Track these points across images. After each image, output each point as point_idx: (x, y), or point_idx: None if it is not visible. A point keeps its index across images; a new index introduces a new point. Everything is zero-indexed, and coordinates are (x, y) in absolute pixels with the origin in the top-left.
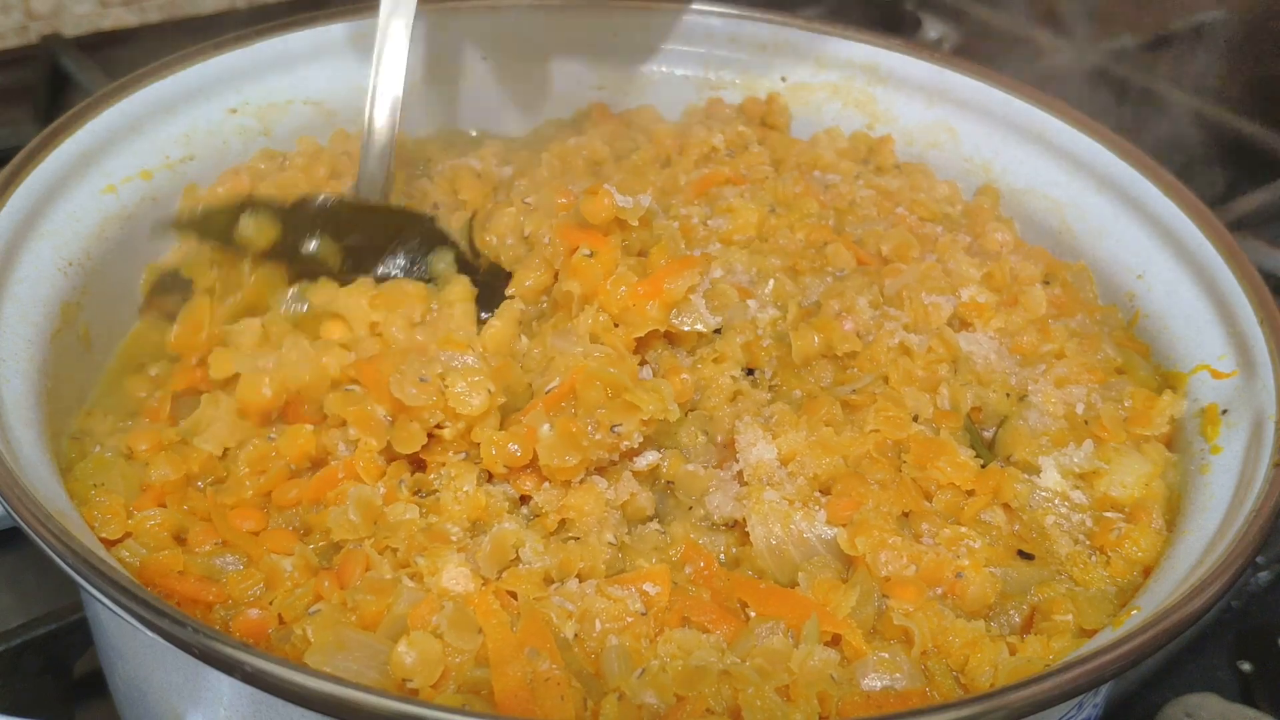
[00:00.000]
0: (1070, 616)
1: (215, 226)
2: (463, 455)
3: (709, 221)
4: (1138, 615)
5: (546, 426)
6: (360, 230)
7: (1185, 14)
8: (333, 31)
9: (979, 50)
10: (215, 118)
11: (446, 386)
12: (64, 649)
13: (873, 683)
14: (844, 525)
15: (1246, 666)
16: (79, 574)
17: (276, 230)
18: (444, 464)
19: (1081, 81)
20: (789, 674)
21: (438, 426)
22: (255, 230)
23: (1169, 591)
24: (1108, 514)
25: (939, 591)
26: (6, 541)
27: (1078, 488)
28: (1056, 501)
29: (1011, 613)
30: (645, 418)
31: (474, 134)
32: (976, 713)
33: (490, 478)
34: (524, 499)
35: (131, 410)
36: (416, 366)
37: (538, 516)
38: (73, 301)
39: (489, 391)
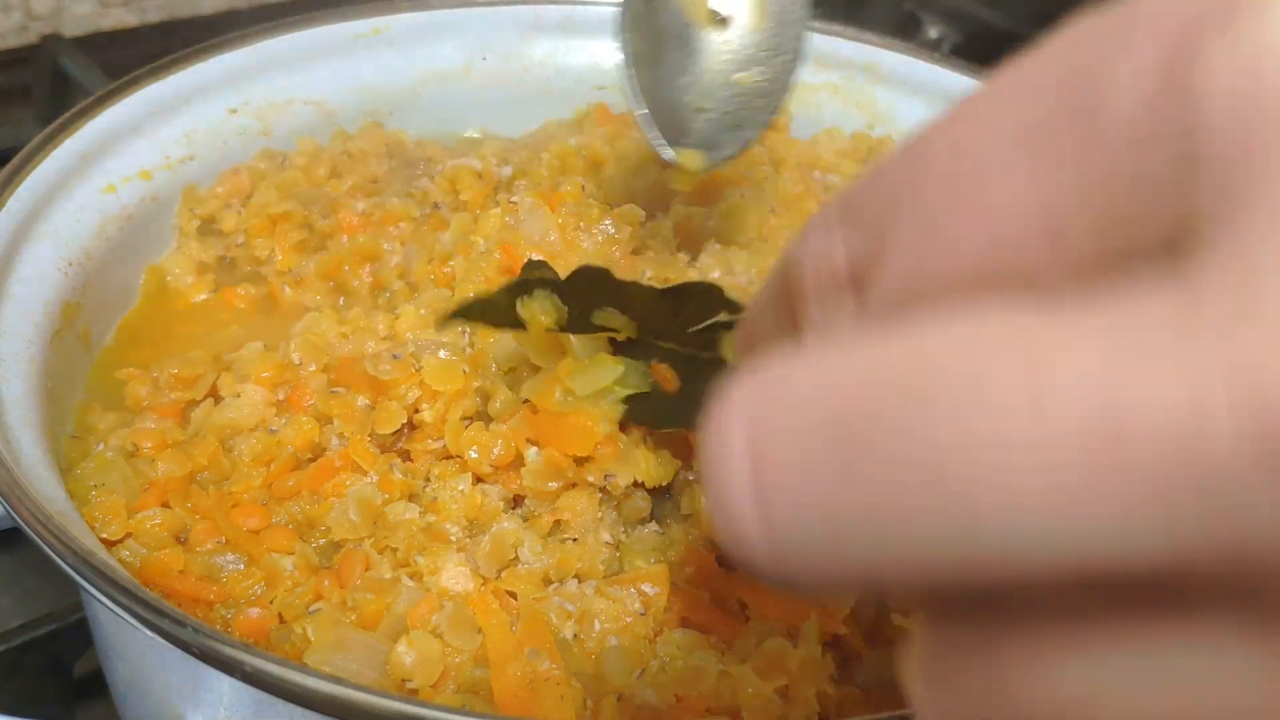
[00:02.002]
0: None
1: (496, 311)
2: (441, 442)
3: (708, 222)
4: None
5: (534, 451)
6: (644, 302)
7: None
8: (333, 31)
9: (979, 50)
10: (215, 118)
11: (421, 366)
12: (64, 649)
13: (872, 683)
14: None
15: None
16: (79, 574)
17: (558, 312)
18: (428, 451)
19: None
20: (788, 674)
21: (416, 411)
22: (537, 314)
23: None
24: None
25: None
26: (6, 541)
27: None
28: None
29: None
30: (640, 479)
31: (474, 134)
32: None
33: (478, 479)
34: (517, 500)
35: (127, 404)
36: (391, 349)
37: (532, 518)
38: (73, 301)
39: (464, 371)
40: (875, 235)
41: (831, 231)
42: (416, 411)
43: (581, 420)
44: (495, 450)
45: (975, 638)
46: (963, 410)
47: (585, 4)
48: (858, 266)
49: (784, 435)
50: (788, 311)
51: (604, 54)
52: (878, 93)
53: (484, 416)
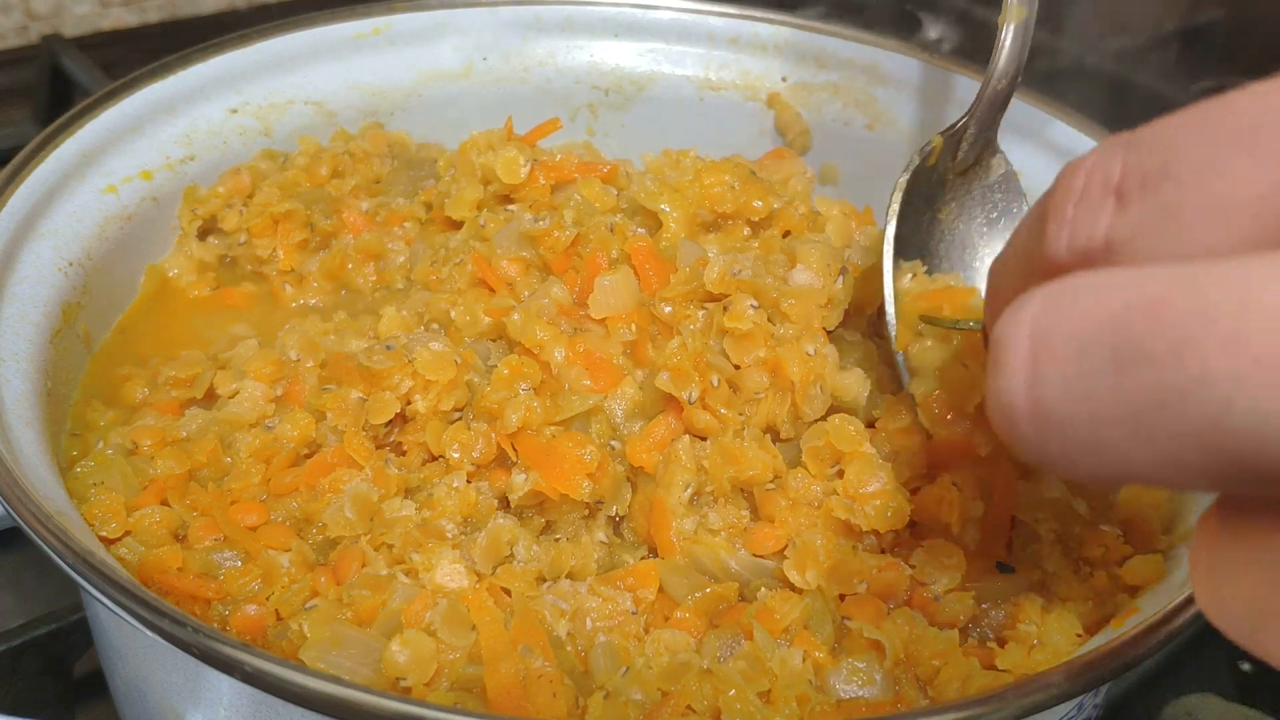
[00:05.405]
0: (1038, 628)
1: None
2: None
3: None
4: (1138, 616)
5: (523, 476)
6: None
7: (1186, 14)
8: (333, 31)
9: (979, 50)
10: (215, 118)
11: (414, 358)
12: (64, 649)
13: (849, 689)
14: (778, 552)
15: (1246, 666)
16: (79, 574)
17: None
18: (420, 444)
19: (1081, 81)
20: (771, 677)
21: (408, 402)
22: None
23: (1170, 592)
24: (1104, 527)
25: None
26: (6, 541)
27: (1078, 495)
28: (1053, 509)
29: (985, 626)
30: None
31: (475, 133)
32: (977, 714)
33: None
34: (505, 503)
35: (126, 402)
36: (383, 342)
37: (524, 519)
38: (73, 301)
39: (455, 362)
40: (1156, 163)
41: (1116, 149)
42: (409, 403)
43: (570, 449)
44: (477, 450)
45: (1242, 536)
46: (1235, 325)
47: (585, 4)
48: (1127, 181)
49: (1064, 335)
50: (1039, 233)
51: (604, 54)
52: (878, 93)
53: (468, 414)
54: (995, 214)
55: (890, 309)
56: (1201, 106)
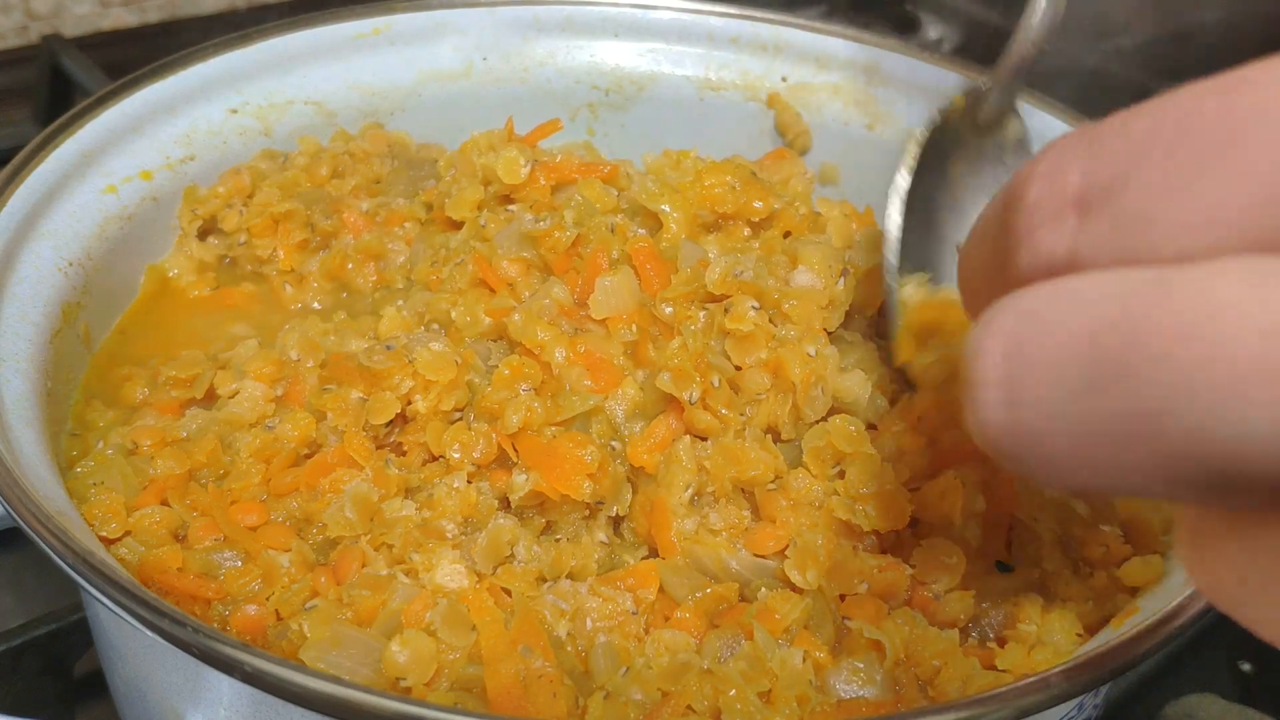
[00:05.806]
0: (1038, 628)
1: None
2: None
3: None
4: (1138, 616)
5: (523, 477)
6: None
7: (1186, 13)
8: (333, 31)
9: (979, 50)
10: (215, 118)
11: (414, 358)
12: (64, 649)
13: (849, 689)
14: (779, 552)
15: (1246, 666)
16: (79, 574)
17: None
18: (421, 444)
19: (1081, 81)
20: (771, 677)
21: (409, 403)
22: None
23: (1170, 592)
24: (1104, 528)
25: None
26: (6, 541)
27: (1078, 497)
28: (1053, 509)
29: (985, 625)
30: (623, 513)
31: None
32: (977, 714)
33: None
34: (505, 503)
35: (126, 402)
36: (383, 342)
37: (525, 519)
38: (73, 301)
39: (456, 362)
40: (1119, 171)
41: (1072, 155)
42: (409, 403)
43: (570, 449)
44: (477, 450)
45: (1224, 521)
46: (1212, 336)
47: (585, 4)
48: (1089, 192)
49: (1040, 355)
50: (1002, 238)
51: (604, 54)
52: (878, 93)
53: (469, 414)
54: (1005, 176)
55: (892, 255)
56: (1164, 111)
